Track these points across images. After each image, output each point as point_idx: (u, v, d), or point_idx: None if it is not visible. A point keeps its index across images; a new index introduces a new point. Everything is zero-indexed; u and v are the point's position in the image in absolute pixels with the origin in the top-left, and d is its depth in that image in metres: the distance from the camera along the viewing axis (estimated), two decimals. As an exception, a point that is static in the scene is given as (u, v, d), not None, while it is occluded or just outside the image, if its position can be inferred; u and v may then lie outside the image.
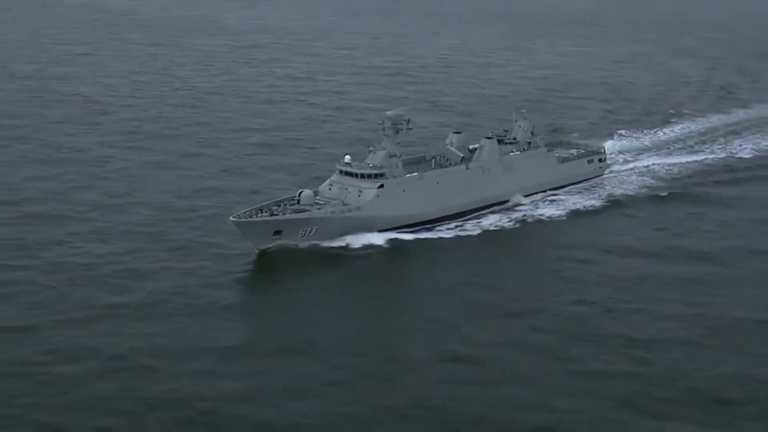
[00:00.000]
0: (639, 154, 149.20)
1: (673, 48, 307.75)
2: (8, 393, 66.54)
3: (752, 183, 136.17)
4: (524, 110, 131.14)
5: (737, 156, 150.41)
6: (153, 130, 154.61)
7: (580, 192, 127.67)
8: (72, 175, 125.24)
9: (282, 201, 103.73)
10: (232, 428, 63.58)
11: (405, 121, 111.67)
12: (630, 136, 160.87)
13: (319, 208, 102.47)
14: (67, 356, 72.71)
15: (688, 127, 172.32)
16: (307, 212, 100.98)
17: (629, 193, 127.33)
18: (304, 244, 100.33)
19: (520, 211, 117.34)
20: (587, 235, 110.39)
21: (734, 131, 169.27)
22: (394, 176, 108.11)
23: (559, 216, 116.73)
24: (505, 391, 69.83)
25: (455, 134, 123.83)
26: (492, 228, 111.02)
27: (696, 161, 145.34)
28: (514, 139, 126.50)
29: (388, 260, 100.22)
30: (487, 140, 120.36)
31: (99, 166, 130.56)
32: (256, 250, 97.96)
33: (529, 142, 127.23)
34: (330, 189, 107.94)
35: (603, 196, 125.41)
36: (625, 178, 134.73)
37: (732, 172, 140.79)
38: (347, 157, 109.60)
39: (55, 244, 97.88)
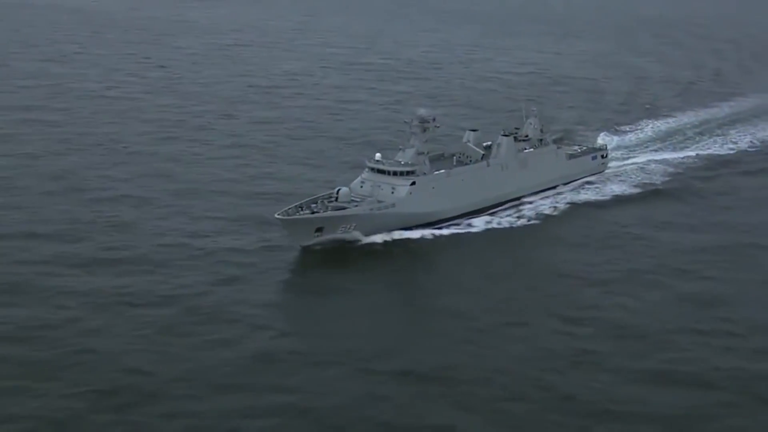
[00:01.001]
0: (631, 150, 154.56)
1: (632, 45, 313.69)
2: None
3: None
4: (534, 108, 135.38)
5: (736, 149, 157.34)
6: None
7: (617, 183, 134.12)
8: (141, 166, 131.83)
9: (319, 198, 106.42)
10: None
11: (432, 119, 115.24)
12: (621, 132, 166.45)
13: (356, 206, 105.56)
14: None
15: (668, 122, 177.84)
16: (347, 209, 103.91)
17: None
18: (345, 239, 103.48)
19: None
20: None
21: (722, 124, 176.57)
22: (424, 173, 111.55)
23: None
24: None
25: (472, 132, 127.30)
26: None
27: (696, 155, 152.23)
28: (527, 136, 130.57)
29: (427, 255, 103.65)
30: (505, 138, 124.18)
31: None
32: (299, 246, 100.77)
33: (541, 140, 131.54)
34: (362, 186, 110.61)
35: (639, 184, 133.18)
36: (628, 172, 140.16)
37: (728, 165, 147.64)
38: (378, 155, 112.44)
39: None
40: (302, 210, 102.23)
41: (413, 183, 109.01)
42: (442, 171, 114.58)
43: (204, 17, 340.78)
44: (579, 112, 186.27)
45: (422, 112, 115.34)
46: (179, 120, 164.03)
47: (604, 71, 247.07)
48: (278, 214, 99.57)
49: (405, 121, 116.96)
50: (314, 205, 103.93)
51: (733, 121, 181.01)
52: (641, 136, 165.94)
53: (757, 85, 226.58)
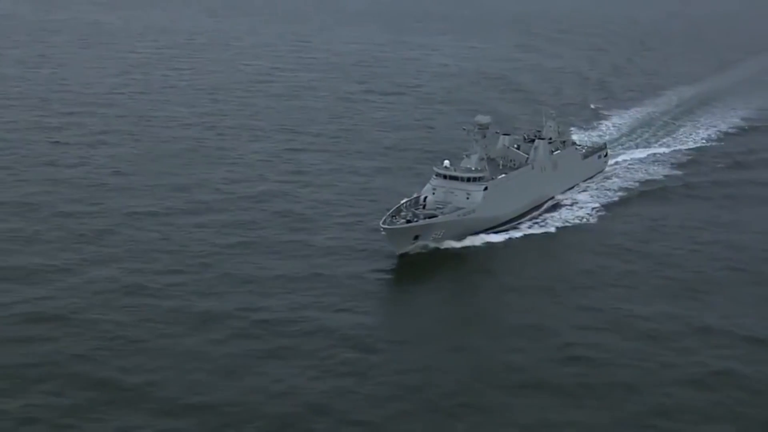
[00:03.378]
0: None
1: (521, 42, 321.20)
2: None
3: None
4: (553, 111, 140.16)
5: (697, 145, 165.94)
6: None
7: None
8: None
9: (403, 206, 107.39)
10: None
11: (489, 125, 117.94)
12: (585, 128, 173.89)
13: (441, 212, 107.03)
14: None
15: (623, 119, 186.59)
16: (439, 216, 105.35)
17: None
18: (434, 246, 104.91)
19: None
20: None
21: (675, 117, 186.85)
22: (492, 178, 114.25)
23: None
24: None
25: (505, 136, 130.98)
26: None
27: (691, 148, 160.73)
28: (551, 139, 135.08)
29: (520, 257, 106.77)
30: (541, 141, 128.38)
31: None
32: (398, 253, 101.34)
33: (563, 141, 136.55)
34: (434, 193, 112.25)
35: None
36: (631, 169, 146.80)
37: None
38: (446, 162, 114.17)
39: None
40: (395, 219, 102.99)
41: (486, 188, 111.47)
42: (503, 175, 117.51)
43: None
44: (525, 112, 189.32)
45: (480, 118, 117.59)
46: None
47: (519, 69, 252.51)
48: (384, 225, 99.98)
49: (464, 129, 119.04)
50: (403, 213, 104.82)
51: (684, 112, 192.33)
52: (606, 134, 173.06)
53: (676, 78, 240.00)
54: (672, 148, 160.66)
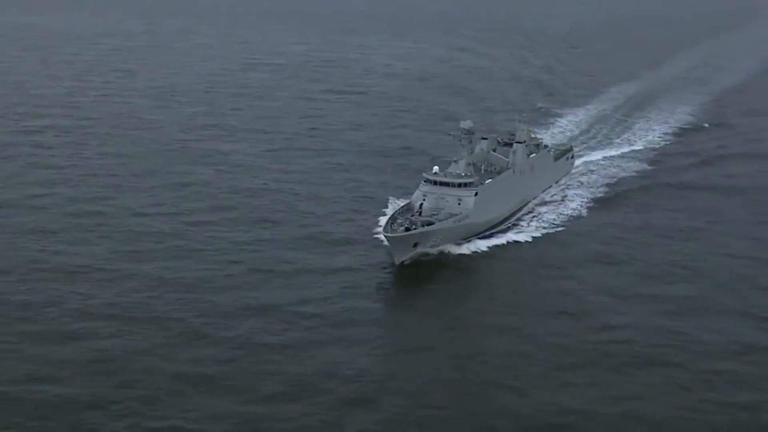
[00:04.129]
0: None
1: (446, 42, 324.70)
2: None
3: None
4: (524, 114, 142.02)
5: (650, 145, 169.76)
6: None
7: None
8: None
9: (398, 212, 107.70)
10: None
11: (474, 131, 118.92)
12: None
13: (437, 218, 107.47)
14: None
15: (572, 120, 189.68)
16: (437, 224, 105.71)
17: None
18: (433, 252, 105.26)
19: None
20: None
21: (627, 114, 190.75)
22: (481, 183, 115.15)
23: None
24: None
25: (483, 140, 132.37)
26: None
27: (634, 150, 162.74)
28: (524, 142, 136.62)
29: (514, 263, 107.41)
30: (519, 145, 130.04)
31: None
32: (397, 262, 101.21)
33: (537, 145, 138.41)
34: (425, 199, 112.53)
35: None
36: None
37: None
38: (435, 168, 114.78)
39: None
40: (392, 227, 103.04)
41: (476, 194, 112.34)
42: (490, 180, 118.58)
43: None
44: (474, 111, 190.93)
45: (466, 124, 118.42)
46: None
47: (458, 69, 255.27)
48: (386, 233, 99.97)
49: (449, 134, 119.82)
50: (399, 220, 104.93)
51: (633, 109, 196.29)
52: (558, 135, 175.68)
53: (613, 75, 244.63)
54: (631, 147, 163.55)
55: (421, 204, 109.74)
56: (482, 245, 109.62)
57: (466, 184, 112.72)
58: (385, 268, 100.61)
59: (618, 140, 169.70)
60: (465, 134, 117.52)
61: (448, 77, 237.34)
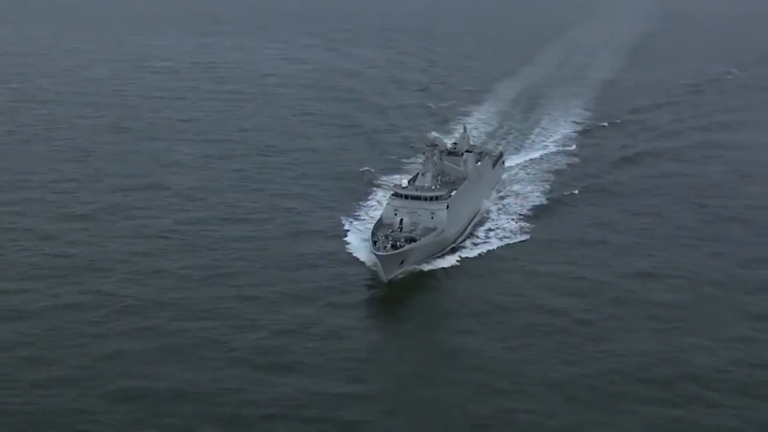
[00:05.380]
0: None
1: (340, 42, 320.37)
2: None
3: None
4: (465, 124, 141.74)
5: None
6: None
7: None
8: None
9: (375, 229, 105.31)
10: None
11: (439, 143, 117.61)
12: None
13: (418, 234, 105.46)
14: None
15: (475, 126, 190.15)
16: (423, 239, 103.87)
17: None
18: (416, 268, 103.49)
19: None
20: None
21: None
22: (449, 196, 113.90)
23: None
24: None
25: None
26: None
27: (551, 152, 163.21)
28: (469, 150, 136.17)
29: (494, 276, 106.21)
30: (470, 154, 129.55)
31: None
32: (386, 280, 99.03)
33: (480, 152, 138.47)
34: (396, 214, 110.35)
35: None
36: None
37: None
38: (404, 182, 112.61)
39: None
40: (376, 246, 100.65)
41: (447, 206, 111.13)
42: (454, 191, 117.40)
43: None
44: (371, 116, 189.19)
45: (432, 135, 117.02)
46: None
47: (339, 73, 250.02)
48: (379, 252, 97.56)
49: (411, 146, 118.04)
50: (382, 238, 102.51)
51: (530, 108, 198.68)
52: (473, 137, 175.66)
53: (491, 72, 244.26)
54: (547, 150, 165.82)
55: (402, 220, 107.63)
56: (452, 260, 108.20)
57: (437, 197, 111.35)
58: (371, 287, 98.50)
59: (529, 141, 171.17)
60: (430, 147, 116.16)
61: (328, 81, 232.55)
